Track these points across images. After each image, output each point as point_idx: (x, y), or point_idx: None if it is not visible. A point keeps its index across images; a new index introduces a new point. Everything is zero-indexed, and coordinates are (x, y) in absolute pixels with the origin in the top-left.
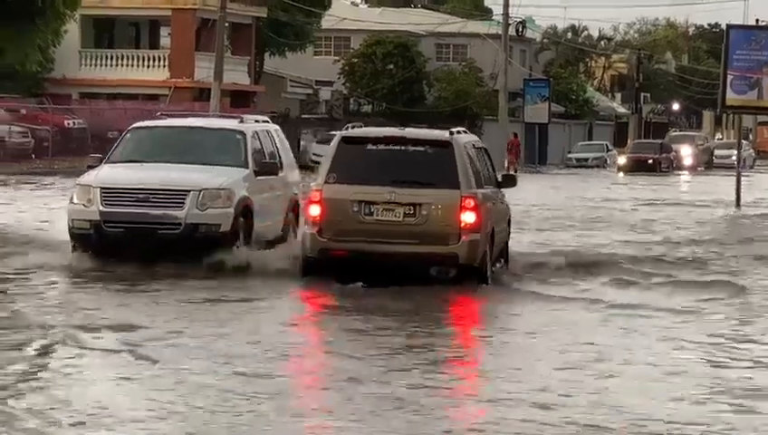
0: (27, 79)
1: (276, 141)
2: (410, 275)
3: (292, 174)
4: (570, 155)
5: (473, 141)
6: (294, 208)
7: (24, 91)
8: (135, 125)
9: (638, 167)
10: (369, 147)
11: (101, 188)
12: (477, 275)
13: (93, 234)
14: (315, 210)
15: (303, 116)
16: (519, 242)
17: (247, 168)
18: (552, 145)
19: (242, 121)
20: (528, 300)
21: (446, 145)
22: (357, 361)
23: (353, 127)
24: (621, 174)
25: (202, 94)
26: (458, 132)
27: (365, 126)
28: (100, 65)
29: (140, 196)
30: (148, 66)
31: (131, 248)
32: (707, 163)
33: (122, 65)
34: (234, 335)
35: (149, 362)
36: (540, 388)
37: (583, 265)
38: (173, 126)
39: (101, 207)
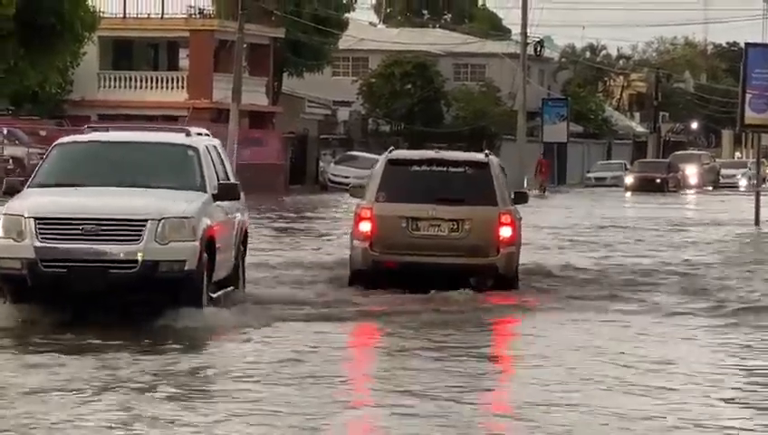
0: (47, 101)
1: (223, 158)
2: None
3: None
4: (589, 174)
5: (499, 162)
6: (244, 238)
7: (43, 112)
8: (62, 140)
9: (645, 186)
10: (414, 168)
11: (36, 218)
12: (511, 284)
13: (27, 275)
14: (366, 226)
15: (322, 136)
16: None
17: (205, 191)
18: (571, 164)
19: (189, 135)
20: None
21: (483, 166)
22: None
23: (391, 151)
24: (629, 193)
25: (220, 115)
26: (489, 154)
27: (395, 148)
28: (119, 87)
29: (87, 227)
30: (167, 87)
31: (75, 293)
32: (713, 183)
33: (141, 87)
34: None
35: None
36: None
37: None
38: (111, 141)
39: (37, 243)
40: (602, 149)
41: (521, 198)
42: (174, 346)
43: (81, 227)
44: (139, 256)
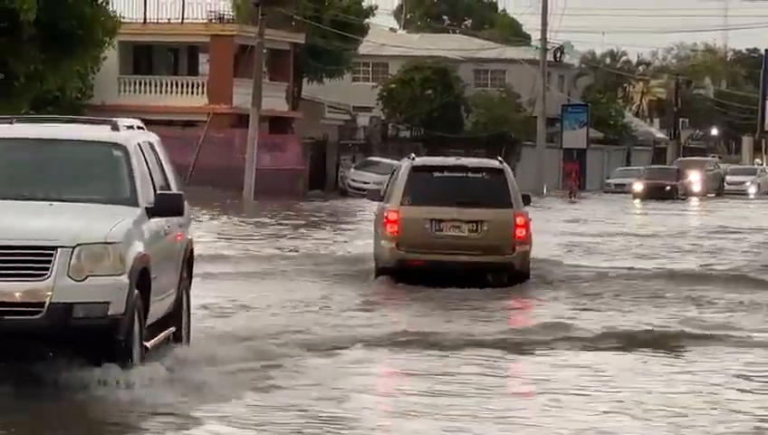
0: (67, 106)
1: (162, 159)
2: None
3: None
4: (608, 180)
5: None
6: (189, 264)
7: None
8: None
9: (654, 193)
10: (436, 174)
11: None
12: (524, 280)
13: None
14: (393, 227)
15: (342, 142)
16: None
17: (137, 204)
18: (591, 170)
19: (116, 129)
20: None
21: (499, 172)
22: None
23: (412, 158)
24: (637, 201)
25: (240, 121)
26: (502, 161)
27: (415, 154)
28: (139, 91)
29: None
30: (187, 92)
31: None
32: (717, 190)
33: (161, 91)
34: None
35: None
36: None
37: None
38: (9, 138)
39: None
40: (622, 156)
41: (524, 199)
42: None
43: None
44: (46, 298)
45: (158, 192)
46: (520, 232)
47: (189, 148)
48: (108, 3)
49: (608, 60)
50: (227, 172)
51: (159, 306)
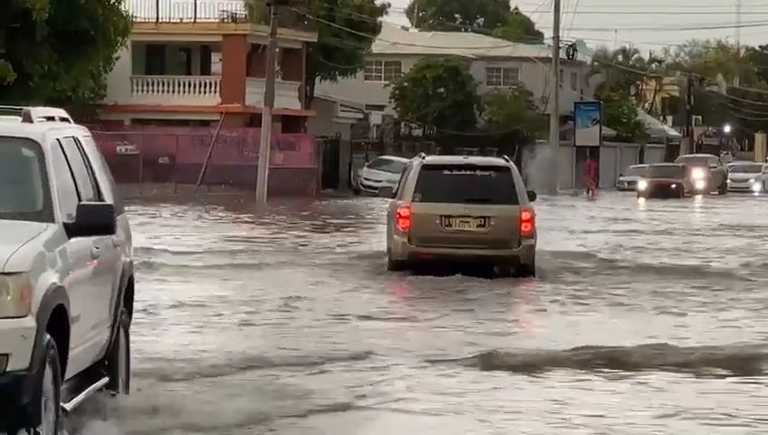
0: (79, 105)
1: (90, 159)
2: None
3: (120, 222)
4: (621, 178)
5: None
6: (129, 289)
7: (76, 117)
8: None
9: (660, 192)
10: (446, 172)
11: None
12: (530, 272)
13: None
14: (405, 223)
15: (354, 140)
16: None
17: (52, 219)
18: (604, 168)
19: (28, 120)
20: None
21: (505, 170)
22: None
23: (423, 157)
24: (642, 199)
25: (253, 120)
26: (509, 160)
27: (425, 153)
28: (152, 91)
29: None
30: (200, 92)
31: None
32: (720, 187)
33: (174, 91)
34: None
35: None
36: None
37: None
38: None
39: None
40: (635, 153)
41: (530, 196)
42: None
43: None
44: None
45: (81, 203)
46: (525, 227)
47: (202, 147)
48: (120, 3)
49: (620, 57)
50: (240, 171)
51: (84, 353)
